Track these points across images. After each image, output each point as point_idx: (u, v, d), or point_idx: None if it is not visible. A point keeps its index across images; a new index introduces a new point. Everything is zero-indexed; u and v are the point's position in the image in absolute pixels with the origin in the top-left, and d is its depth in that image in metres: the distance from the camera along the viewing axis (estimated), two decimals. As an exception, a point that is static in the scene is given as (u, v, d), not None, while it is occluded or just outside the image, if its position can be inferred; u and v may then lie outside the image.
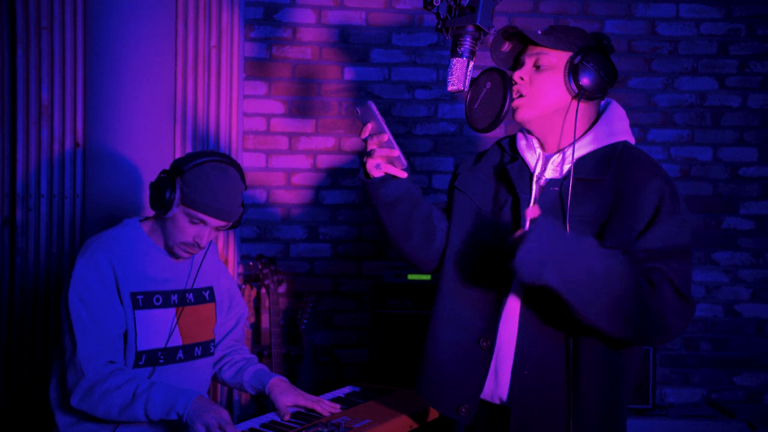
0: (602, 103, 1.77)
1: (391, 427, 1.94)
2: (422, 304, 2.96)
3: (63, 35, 2.99)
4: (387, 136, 1.68)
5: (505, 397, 1.68)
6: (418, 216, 1.79)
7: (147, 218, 2.02)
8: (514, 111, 1.71)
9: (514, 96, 1.69)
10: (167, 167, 1.94)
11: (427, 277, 3.00)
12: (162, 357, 1.93)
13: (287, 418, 1.99)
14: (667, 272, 1.52)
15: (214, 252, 2.19)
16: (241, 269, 3.31)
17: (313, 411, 2.02)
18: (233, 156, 3.23)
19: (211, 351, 2.09)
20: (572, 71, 1.64)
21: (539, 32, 1.68)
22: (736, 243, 3.44)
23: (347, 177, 3.40)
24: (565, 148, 1.70)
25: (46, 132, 2.99)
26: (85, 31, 2.92)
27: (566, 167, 1.67)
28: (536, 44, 1.68)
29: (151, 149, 2.85)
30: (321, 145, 3.40)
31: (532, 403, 1.64)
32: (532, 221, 1.48)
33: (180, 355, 1.98)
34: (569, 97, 1.67)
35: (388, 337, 2.97)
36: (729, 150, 3.45)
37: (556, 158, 1.71)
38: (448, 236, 1.82)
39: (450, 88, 1.63)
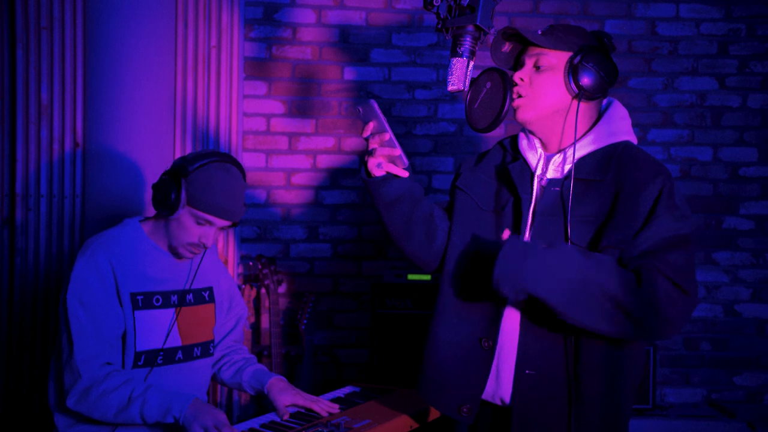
0: (604, 102, 1.77)
1: (391, 428, 1.94)
2: (422, 304, 2.96)
3: (63, 35, 2.99)
4: (389, 135, 1.68)
5: (506, 397, 1.68)
6: (419, 215, 1.79)
7: (147, 218, 2.01)
8: (514, 111, 1.71)
9: (515, 97, 1.69)
10: (167, 167, 1.93)
11: (427, 277, 3.00)
12: (161, 357, 1.93)
13: (286, 417, 1.98)
14: (659, 265, 1.52)
15: (214, 252, 2.18)
16: (241, 269, 3.31)
17: (312, 411, 2.01)
18: (233, 156, 3.22)
19: (211, 352, 2.09)
20: (572, 71, 1.64)
21: (539, 32, 1.68)
22: (736, 243, 3.44)
23: (347, 177, 3.40)
24: (566, 148, 1.70)
25: (45, 132, 2.99)
26: (85, 31, 2.92)
27: (567, 167, 1.67)
28: (536, 45, 1.68)
29: (151, 149, 2.84)
30: (321, 145, 3.39)
31: (534, 403, 1.64)
32: (504, 242, 1.53)
33: (179, 355, 1.97)
34: (570, 98, 1.67)
35: (388, 337, 2.97)
36: (729, 150, 3.45)
37: (557, 158, 1.71)
38: (450, 236, 1.82)
39: (450, 88, 1.63)
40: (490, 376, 1.69)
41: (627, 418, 1.69)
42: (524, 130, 1.78)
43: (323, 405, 2.02)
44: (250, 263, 3.21)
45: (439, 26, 1.64)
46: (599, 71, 1.64)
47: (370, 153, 1.71)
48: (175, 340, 1.96)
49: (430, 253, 1.84)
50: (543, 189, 1.70)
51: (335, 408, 2.02)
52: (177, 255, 1.96)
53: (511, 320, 1.67)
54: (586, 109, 1.70)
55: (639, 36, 3.45)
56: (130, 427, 1.88)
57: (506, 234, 1.57)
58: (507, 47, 1.75)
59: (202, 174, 1.84)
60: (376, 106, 1.67)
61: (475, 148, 3.41)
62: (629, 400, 1.67)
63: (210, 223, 1.88)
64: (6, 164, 3.06)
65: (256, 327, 3.21)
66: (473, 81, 1.73)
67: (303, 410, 2.03)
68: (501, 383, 1.68)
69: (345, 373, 3.34)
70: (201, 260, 2.04)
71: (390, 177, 1.72)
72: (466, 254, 1.76)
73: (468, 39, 1.61)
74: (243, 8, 3.30)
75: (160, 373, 1.93)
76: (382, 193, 1.73)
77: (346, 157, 3.41)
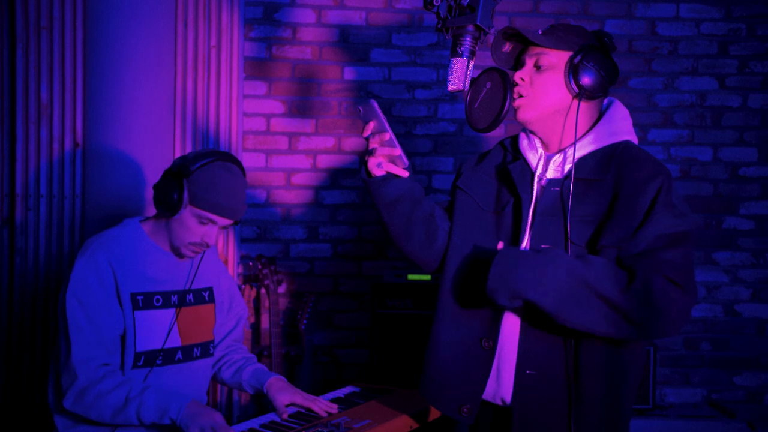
0: (605, 102, 1.77)
1: (391, 428, 1.94)
2: (422, 304, 2.96)
3: (63, 35, 2.99)
4: (389, 134, 1.68)
5: (507, 397, 1.68)
6: (419, 215, 1.79)
7: (147, 218, 2.01)
8: (515, 111, 1.71)
9: (515, 97, 1.69)
10: (167, 167, 1.92)
11: (427, 277, 3.00)
12: (161, 358, 1.92)
13: (285, 416, 1.98)
14: (657, 263, 1.52)
15: (214, 252, 2.18)
16: (240, 269, 3.31)
17: (311, 411, 2.01)
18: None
19: (211, 352, 2.08)
20: (572, 71, 1.64)
21: (539, 32, 1.68)
22: (736, 243, 3.44)
23: (347, 177, 3.40)
24: (566, 148, 1.70)
25: (45, 132, 2.99)
26: (85, 31, 2.92)
27: (567, 167, 1.67)
28: (536, 44, 1.68)
29: (151, 149, 2.84)
30: (321, 145, 3.39)
31: (534, 403, 1.64)
32: (497, 253, 1.55)
33: (179, 355, 1.97)
34: (570, 97, 1.67)
35: (388, 337, 2.97)
36: (729, 150, 3.45)
37: (558, 158, 1.70)
38: (450, 236, 1.82)
39: (450, 87, 1.63)
40: (491, 376, 1.69)
41: (627, 419, 1.69)
42: (525, 130, 1.78)
43: (322, 404, 2.02)
44: (250, 263, 3.21)
45: (439, 26, 1.64)
46: (600, 71, 1.64)
47: (370, 153, 1.71)
48: (175, 341, 1.96)
49: (431, 253, 1.84)
50: (543, 189, 1.70)
51: (334, 408, 2.02)
52: (179, 254, 1.96)
53: (512, 321, 1.67)
54: (586, 108, 1.70)
55: (639, 36, 3.45)
56: (129, 428, 1.88)
57: (500, 245, 1.60)
58: (507, 47, 1.75)
59: (204, 173, 1.84)
60: (376, 105, 1.67)
61: (476, 148, 3.41)
62: (629, 400, 1.67)
63: (213, 222, 1.88)
64: (6, 164, 3.06)
65: (256, 327, 3.21)
66: (473, 81, 1.73)
67: (303, 410, 2.03)
68: (501, 383, 1.68)
69: (345, 373, 3.34)
70: (201, 260, 2.04)
71: (390, 177, 1.72)
72: (464, 263, 1.76)
73: (468, 39, 1.61)
74: (243, 8, 3.30)
75: (159, 374, 1.93)
76: (383, 193, 1.73)
77: (346, 157, 3.40)
